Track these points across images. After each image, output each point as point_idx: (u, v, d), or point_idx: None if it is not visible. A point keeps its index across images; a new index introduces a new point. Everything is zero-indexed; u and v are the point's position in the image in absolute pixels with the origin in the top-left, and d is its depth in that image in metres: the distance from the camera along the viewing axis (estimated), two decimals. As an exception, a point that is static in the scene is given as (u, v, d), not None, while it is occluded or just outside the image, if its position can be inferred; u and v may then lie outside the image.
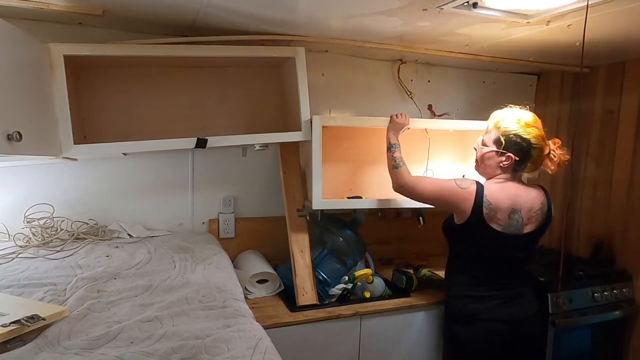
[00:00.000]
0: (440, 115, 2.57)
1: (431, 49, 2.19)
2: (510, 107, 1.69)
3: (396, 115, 1.86)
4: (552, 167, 1.63)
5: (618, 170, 2.38)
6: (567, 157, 1.64)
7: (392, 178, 1.76)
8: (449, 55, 2.25)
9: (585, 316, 2.11)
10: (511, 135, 1.60)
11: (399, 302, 1.92)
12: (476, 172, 1.79)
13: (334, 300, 1.90)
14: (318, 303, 1.87)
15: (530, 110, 1.67)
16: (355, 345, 1.86)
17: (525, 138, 1.59)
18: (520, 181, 1.68)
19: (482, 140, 1.70)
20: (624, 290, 2.24)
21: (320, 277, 1.93)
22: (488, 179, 1.70)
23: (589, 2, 1.35)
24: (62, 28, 1.82)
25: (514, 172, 1.65)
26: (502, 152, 1.62)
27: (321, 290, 1.91)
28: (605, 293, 2.17)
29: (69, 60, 1.63)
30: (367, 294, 1.92)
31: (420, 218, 2.06)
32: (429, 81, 2.58)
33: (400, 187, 1.72)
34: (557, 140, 1.66)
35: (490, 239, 1.61)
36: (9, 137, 1.29)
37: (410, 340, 1.96)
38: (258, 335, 1.16)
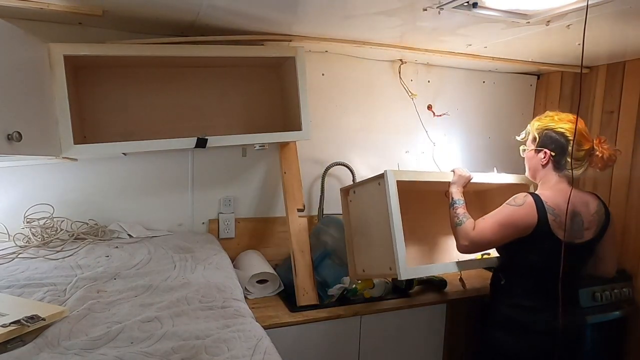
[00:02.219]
0: (440, 115, 2.58)
1: (431, 49, 2.19)
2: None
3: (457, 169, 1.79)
4: (600, 164, 1.56)
5: (618, 170, 2.38)
6: (615, 150, 1.57)
7: (455, 236, 1.64)
8: (449, 56, 2.25)
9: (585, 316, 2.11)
10: (545, 131, 1.60)
11: (399, 302, 1.92)
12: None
13: (333, 300, 1.90)
14: (318, 303, 1.87)
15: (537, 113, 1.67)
16: (355, 345, 1.86)
17: (558, 132, 1.57)
18: (570, 185, 1.61)
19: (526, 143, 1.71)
20: (624, 290, 2.24)
21: (320, 278, 1.93)
22: (539, 182, 1.67)
23: (589, 2, 1.35)
24: (62, 28, 1.82)
25: (558, 170, 1.60)
26: (538, 150, 1.61)
27: (321, 291, 1.91)
28: (605, 293, 2.17)
29: (69, 60, 1.63)
30: (367, 294, 1.92)
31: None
32: (429, 81, 2.58)
33: (465, 245, 1.59)
34: (601, 137, 1.61)
35: (552, 249, 1.52)
36: (9, 137, 1.29)
37: (410, 340, 1.96)
38: (258, 336, 1.16)
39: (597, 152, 1.56)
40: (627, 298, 2.24)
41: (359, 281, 1.84)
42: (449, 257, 2.03)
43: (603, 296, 2.17)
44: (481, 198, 2.15)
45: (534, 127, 1.65)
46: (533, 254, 1.57)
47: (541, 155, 1.61)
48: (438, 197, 1.93)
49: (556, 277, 1.55)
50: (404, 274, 1.54)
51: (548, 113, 1.65)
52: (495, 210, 1.59)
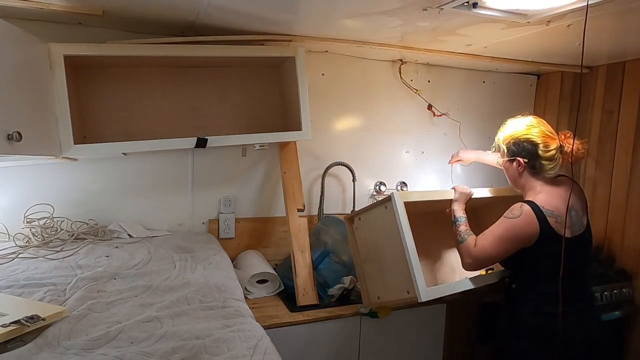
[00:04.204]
0: (440, 115, 2.58)
1: (431, 49, 2.19)
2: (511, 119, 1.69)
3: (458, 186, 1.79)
4: (567, 159, 1.58)
5: (618, 170, 2.38)
6: (581, 142, 1.59)
7: (459, 254, 1.64)
8: (449, 56, 2.25)
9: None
10: (512, 141, 1.62)
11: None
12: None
13: (333, 300, 1.90)
14: (318, 303, 1.87)
15: (529, 114, 1.67)
16: (355, 345, 1.86)
17: (524, 138, 1.59)
18: (552, 182, 1.62)
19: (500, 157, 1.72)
20: (624, 290, 2.24)
21: (320, 278, 1.93)
22: (522, 189, 1.66)
23: (589, 2, 1.35)
24: (62, 28, 1.82)
25: (536, 175, 1.61)
26: (511, 160, 1.63)
27: (321, 291, 1.91)
28: (605, 293, 2.17)
29: (69, 60, 1.63)
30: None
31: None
32: (428, 81, 2.58)
33: (469, 263, 1.58)
34: (566, 132, 1.61)
35: (564, 249, 1.49)
36: (9, 137, 1.29)
37: (410, 340, 1.96)
38: (258, 335, 1.16)
39: (566, 148, 1.57)
40: (627, 298, 2.24)
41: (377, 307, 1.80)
42: (453, 272, 2.02)
43: (603, 296, 2.16)
44: (478, 213, 2.14)
45: (500, 140, 1.67)
46: (544, 261, 1.54)
47: (515, 164, 1.62)
48: (436, 215, 1.92)
49: (573, 276, 1.54)
50: (425, 296, 1.46)
51: (511, 122, 1.67)
52: (494, 225, 1.57)
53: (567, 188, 1.59)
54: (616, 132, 2.38)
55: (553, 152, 1.58)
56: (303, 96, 1.90)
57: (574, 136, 1.56)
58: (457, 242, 1.64)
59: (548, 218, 1.51)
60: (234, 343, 1.10)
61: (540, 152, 1.58)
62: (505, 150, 1.65)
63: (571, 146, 1.57)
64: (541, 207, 1.52)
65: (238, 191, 2.25)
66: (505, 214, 1.56)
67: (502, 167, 1.72)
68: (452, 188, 1.79)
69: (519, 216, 1.52)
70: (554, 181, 1.63)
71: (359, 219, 1.77)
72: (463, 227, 1.65)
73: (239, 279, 1.70)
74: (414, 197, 1.66)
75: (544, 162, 1.58)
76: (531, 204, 1.53)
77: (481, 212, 2.08)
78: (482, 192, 1.85)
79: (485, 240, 1.56)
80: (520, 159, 1.60)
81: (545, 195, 1.57)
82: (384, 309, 1.80)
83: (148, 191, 2.09)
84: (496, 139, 1.72)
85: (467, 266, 1.60)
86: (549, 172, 1.60)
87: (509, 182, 1.72)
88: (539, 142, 1.58)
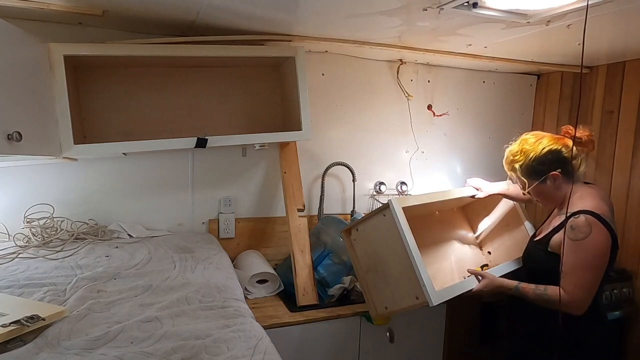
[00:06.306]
0: (440, 115, 2.58)
1: (431, 49, 2.19)
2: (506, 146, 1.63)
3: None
4: (589, 148, 1.54)
5: (618, 170, 2.38)
6: (587, 131, 1.55)
7: (563, 308, 1.41)
8: (449, 56, 2.25)
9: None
10: (532, 164, 1.52)
11: (399, 302, 1.92)
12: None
13: (333, 300, 1.90)
14: (318, 303, 1.87)
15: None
16: (355, 345, 1.86)
17: (544, 153, 1.51)
18: (587, 186, 1.56)
19: (521, 188, 1.62)
20: (624, 290, 2.24)
21: (320, 278, 1.93)
22: (561, 204, 1.57)
23: (589, 2, 1.35)
24: (62, 28, 1.82)
25: (570, 181, 1.53)
26: (543, 181, 1.53)
27: (321, 291, 1.91)
28: (605, 293, 2.17)
29: (69, 60, 1.63)
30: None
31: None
32: (429, 81, 2.58)
33: (579, 304, 1.41)
34: (567, 127, 1.57)
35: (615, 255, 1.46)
36: (9, 137, 1.29)
37: (410, 340, 1.96)
38: (258, 335, 1.16)
39: (584, 139, 1.54)
40: (627, 298, 2.24)
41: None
42: (452, 271, 2.02)
43: (603, 296, 2.16)
44: (466, 211, 2.16)
45: (517, 171, 1.56)
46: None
47: (550, 181, 1.52)
48: (430, 216, 1.93)
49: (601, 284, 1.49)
50: (436, 300, 1.43)
51: (513, 149, 1.58)
52: (569, 256, 1.41)
53: (603, 193, 1.55)
54: (616, 132, 2.38)
55: (573, 149, 1.51)
56: (303, 96, 1.90)
57: (574, 136, 1.54)
58: (543, 302, 1.47)
59: (611, 226, 1.42)
60: (234, 343, 1.10)
61: (565, 154, 1.51)
62: (529, 175, 1.55)
63: (586, 136, 1.53)
64: (604, 217, 1.41)
65: (238, 191, 2.25)
66: (571, 235, 1.41)
67: (531, 196, 1.61)
68: (473, 275, 1.62)
69: (589, 233, 1.39)
70: (587, 185, 1.57)
71: (357, 230, 1.72)
72: (530, 287, 1.50)
73: (239, 279, 1.70)
74: (410, 201, 1.63)
75: (574, 163, 1.52)
76: (594, 214, 1.41)
77: (470, 211, 2.09)
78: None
79: (578, 279, 1.40)
80: (554, 173, 1.51)
81: (591, 201, 1.46)
82: (385, 318, 1.78)
83: (148, 191, 2.09)
84: (510, 172, 1.61)
85: (575, 312, 1.43)
86: (580, 170, 1.56)
87: (547, 204, 1.62)
88: (558, 147, 1.52)
